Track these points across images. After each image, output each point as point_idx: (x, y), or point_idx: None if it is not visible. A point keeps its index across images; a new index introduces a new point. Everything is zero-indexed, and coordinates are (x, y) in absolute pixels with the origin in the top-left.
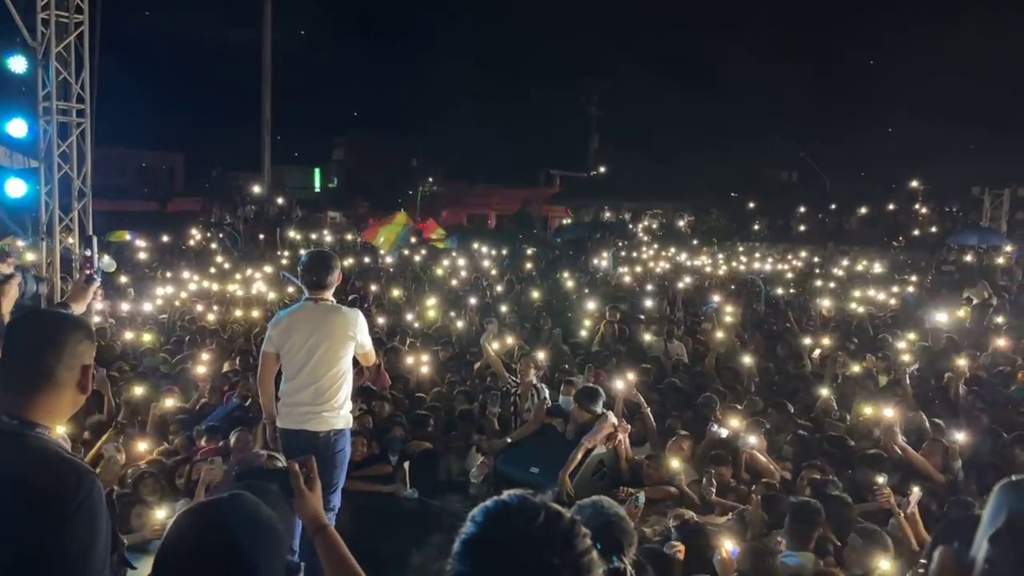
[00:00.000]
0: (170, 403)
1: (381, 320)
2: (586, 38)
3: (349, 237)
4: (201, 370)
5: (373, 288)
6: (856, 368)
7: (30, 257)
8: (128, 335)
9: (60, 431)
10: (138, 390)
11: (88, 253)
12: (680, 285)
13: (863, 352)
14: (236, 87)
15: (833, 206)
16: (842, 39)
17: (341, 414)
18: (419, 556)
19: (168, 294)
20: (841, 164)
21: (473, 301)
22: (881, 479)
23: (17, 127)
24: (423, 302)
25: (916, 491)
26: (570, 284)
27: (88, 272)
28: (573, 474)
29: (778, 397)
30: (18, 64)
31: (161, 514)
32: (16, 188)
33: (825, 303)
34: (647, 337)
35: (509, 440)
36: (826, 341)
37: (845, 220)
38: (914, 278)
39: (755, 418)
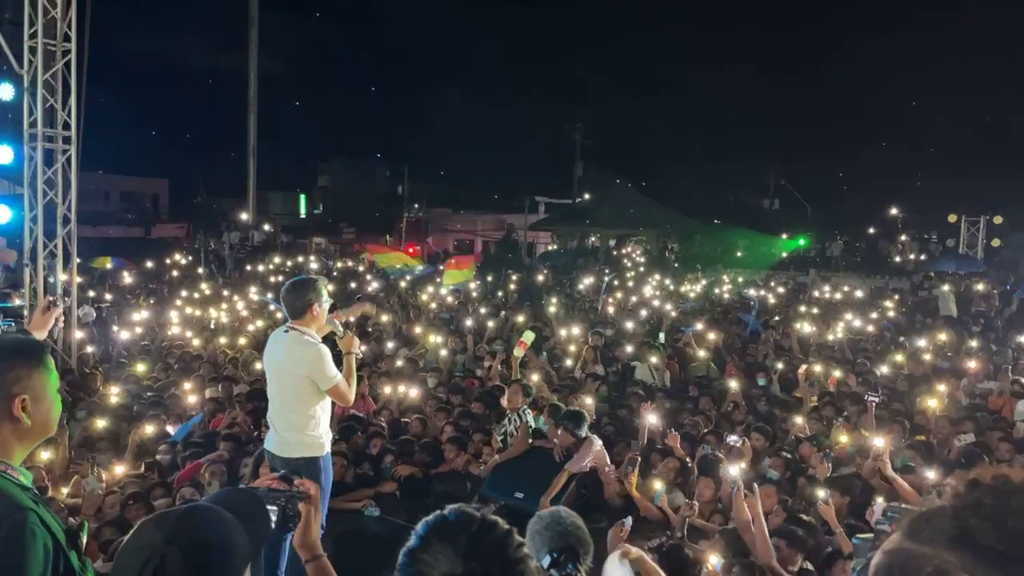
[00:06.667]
0: (150, 430)
1: (364, 347)
2: (571, 67)
3: (339, 264)
4: (192, 399)
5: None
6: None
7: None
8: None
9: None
10: (100, 422)
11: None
12: (665, 310)
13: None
14: (220, 113)
15: (814, 234)
16: (824, 70)
17: (309, 442)
18: None
19: (151, 321)
20: (822, 192)
21: (469, 323)
22: (822, 493)
23: (3, 154)
24: (410, 328)
25: (880, 501)
26: (553, 309)
27: (50, 299)
28: (556, 499)
29: (759, 422)
30: (5, 91)
31: None
32: (1, 214)
33: (806, 329)
34: (635, 363)
35: (498, 459)
36: (817, 368)
37: (827, 247)
38: (892, 304)
39: (738, 444)
